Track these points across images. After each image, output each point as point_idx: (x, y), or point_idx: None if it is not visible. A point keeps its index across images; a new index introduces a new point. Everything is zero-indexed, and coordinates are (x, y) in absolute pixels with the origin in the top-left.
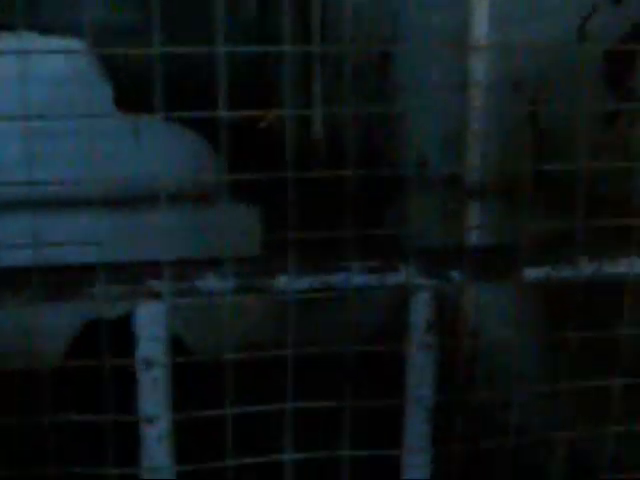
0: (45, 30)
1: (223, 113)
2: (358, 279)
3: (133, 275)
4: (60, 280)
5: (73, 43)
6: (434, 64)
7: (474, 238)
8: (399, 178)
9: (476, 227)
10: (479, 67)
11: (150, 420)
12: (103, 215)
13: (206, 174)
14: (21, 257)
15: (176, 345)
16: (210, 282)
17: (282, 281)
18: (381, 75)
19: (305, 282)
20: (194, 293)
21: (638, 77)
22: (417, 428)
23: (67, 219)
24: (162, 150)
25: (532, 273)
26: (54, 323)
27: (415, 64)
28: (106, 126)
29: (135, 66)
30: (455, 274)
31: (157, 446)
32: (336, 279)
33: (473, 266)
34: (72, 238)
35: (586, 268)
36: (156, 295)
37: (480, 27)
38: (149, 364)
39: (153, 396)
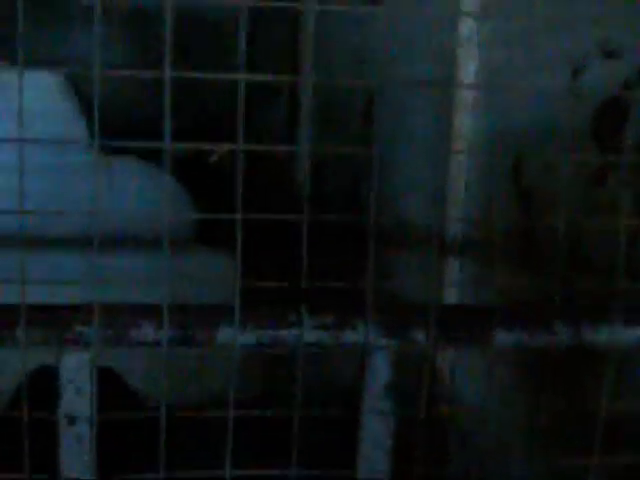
0: (26, 63)
1: (168, 145)
2: (310, 335)
3: (60, 319)
4: None
5: (50, 77)
6: (419, 116)
7: (448, 296)
8: (380, 230)
9: (440, 285)
10: (465, 119)
11: None
12: (66, 254)
13: (179, 218)
14: None
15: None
16: (145, 331)
17: (225, 334)
18: (365, 125)
19: (251, 336)
20: (127, 342)
21: (628, 135)
22: None
23: (29, 257)
24: (134, 191)
25: (504, 337)
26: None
27: (400, 116)
28: (79, 163)
29: (113, 104)
30: (419, 335)
31: None
32: (286, 335)
33: (439, 327)
34: (34, 277)
35: (562, 334)
36: (84, 342)
37: (468, 79)
38: (72, 419)
39: (76, 455)
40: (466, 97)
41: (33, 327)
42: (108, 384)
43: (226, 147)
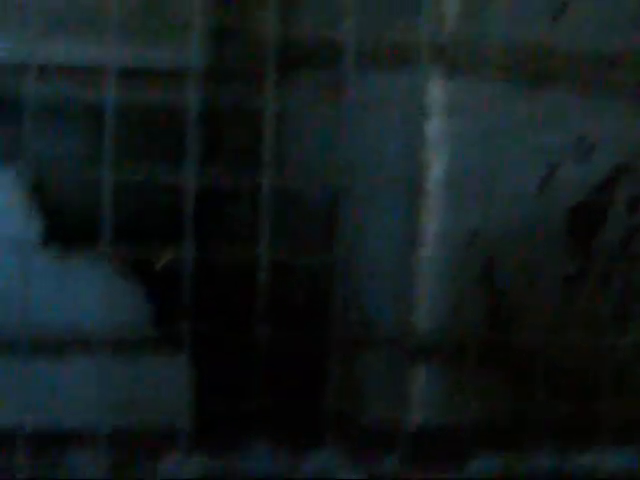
0: None
1: (106, 248)
2: (265, 465)
3: None
4: None
5: (3, 173)
6: (385, 215)
7: (416, 414)
8: (339, 337)
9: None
10: (431, 217)
11: None
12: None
13: (134, 320)
14: None
15: None
16: (77, 460)
17: (169, 464)
18: (329, 223)
19: (197, 465)
20: (56, 473)
21: (606, 236)
22: None
23: None
24: (89, 292)
25: (480, 464)
26: None
27: (365, 212)
28: (34, 263)
29: (70, 199)
30: (387, 462)
31: None
32: (238, 464)
33: (410, 451)
34: None
35: (546, 459)
36: (8, 474)
37: (436, 176)
38: None
39: None
40: (433, 197)
41: None
42: None
43: (169, 254)
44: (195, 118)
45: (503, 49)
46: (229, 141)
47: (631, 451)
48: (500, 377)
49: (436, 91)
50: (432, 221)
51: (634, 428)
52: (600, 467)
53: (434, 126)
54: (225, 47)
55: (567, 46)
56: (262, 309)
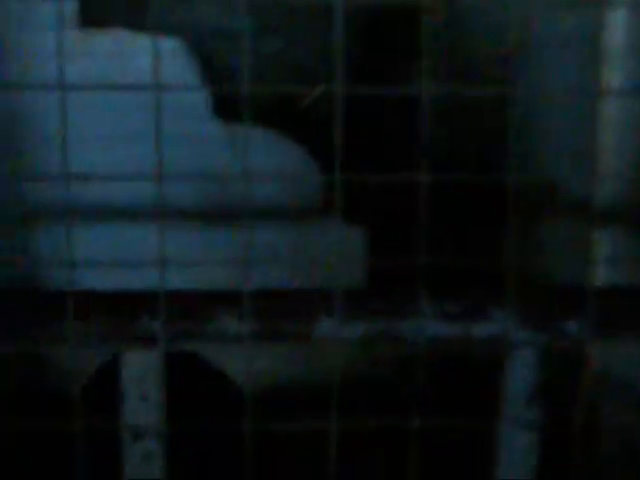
0: (145, 28)
1: (247, 88)
2: (432, 328)
3: (119, 311)
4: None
5: (168, 43)
6: (563, 70)
7: (601, 277)
8: (518, 201)
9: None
10: (614, 69)
11: None
12: (174, 231)
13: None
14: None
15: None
16: (224, 324)
17: (324, 327)
18: (502, 83)
19: (356, 329)
20: (202, 337)
21: None
22: None
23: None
24: (261, 163)
25: None
26: None
27: (542, 70)
28: (201, 134)
29: (236, 70)
30: (572, 326)
31: None
32: (402, 327)
33: (597, 315)
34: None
35: None
36: (149, 338)
37: (617, 29)
38: (138, 434)
39: (143, 476)
40: (616, 43)
41: (88, 320)
42: (190, 373)
43: (319, 89)
44: None
45: None
46: None
47: None
48: None
49: None
50: (615, 77)
51: None
52: None
53: None
54: None
55: None
56: (428, 152)
